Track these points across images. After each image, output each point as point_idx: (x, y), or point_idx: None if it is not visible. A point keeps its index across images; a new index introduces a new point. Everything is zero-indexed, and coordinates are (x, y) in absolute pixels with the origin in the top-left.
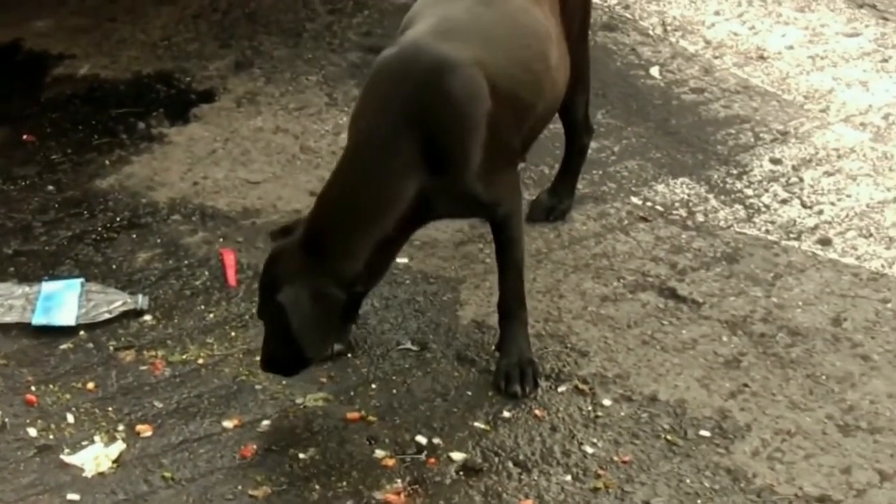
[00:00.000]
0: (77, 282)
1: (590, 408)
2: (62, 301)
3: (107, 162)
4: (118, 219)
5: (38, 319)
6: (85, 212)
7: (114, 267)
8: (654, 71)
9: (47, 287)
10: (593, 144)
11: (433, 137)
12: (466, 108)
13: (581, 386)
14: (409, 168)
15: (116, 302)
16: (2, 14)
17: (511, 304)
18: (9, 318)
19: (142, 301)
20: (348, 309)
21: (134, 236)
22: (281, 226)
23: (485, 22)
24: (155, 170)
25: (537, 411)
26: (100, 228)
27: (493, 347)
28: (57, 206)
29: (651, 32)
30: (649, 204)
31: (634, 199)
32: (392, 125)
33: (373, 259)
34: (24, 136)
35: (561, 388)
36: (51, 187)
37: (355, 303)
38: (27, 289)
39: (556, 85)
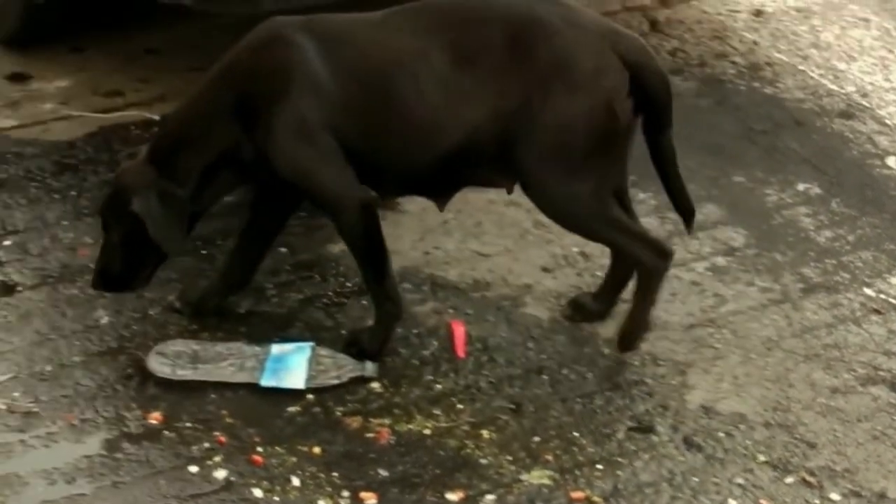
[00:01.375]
0: (307, 345)
1: (817, 501)
2: (292, 364)
3: None
4: (349, 284)
5: (267, 381)
6: (316, 275)
7: (343, 332)
8: (891, 161)
9: (277, 349)
10: (827, 233)
11: (248, 95)
12: (283, 81)
13: (808, 478)
14: (225, 115)
15: (345, 367)
16: None
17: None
18: (239, 378)
19: (370, 368)
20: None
21: (364, 303)
22: (129, 151)
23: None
24: (387, 237)
25: (764, 501)
26: (330, 293)
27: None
28: (289, 268)
29: (889, 121)
30: (883, 296)
31: (868, 291)
32: (222, 75)
33: (202, 181)
34: None
35: (788, 480)
36: (283, 249)
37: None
38: (257, 349)
39: (420, 131)
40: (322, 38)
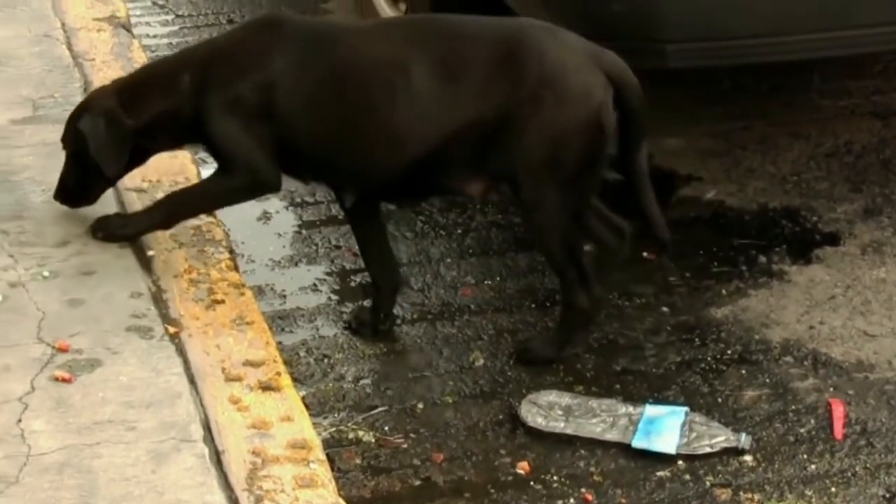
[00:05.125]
0: (681, 410)
1: None
2: (664, 427)
3: (723, 291)
4: (729, 351)
5: (638, 442)
6: (696, 339)
7: (719, 400)
8: None
9: (651, 410)
10: None
11: (213, 64)
12: (240, 54)
13: None
14: (185, 74)
15: (719, 437)
16: None
17: (168, 197)
18: (610, 436)
19: (744, 440)
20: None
21: (743, 372)
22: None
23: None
24: (771, 307)
25: None
26: (709, 358)
27: None
28: (669, 329)
29: None
30: None
31: None
32: (206, 43)
33: (153, 122)
34: (645, 254)
35: None
36: (665, 309)
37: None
38: (631, 409)
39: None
40: (306, 35)
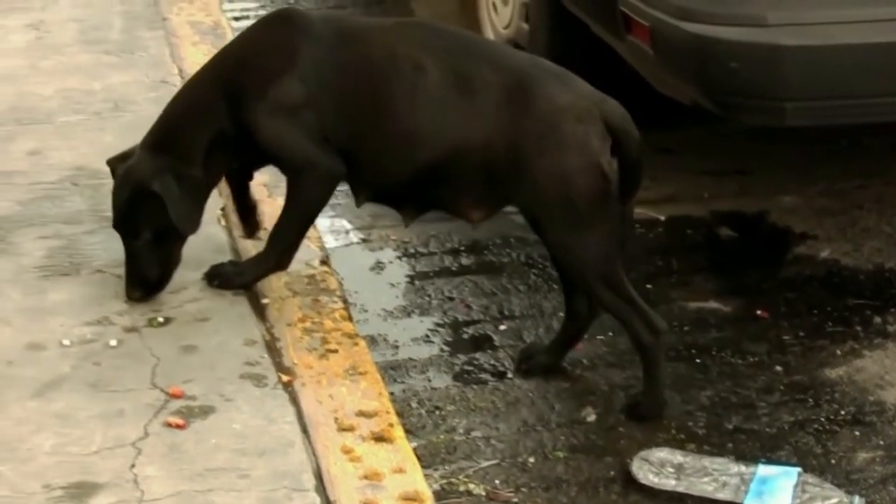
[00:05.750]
0: (794, 470)
1: None
2: (777, 487)
3: (838, 352)
4: (842, 412)
5: (750, 502)
6: (810, 399)
7: (832, 462)
8: None
9: (763, 470)
10: None
11: (243, 70)
12: (264, 55)
13: None
14: (220, 93)
15: (832, 499)
16: (753, 184)
17: (271, 237)
18: (721, 495)
19: (858, 502)
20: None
21: (857, 433)
22: (117, 154)
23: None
24: (886, 368)
25: None
26: (823, 419)
27: None
28: (782, 388)
29: None
30: None
31: None
32: (225, 54)
33: (207, 157)
34: (759, 312)
35: None
36: (779, 368)
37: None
38: (743, 468)
39: (408, 141)
40: (331, 30)
